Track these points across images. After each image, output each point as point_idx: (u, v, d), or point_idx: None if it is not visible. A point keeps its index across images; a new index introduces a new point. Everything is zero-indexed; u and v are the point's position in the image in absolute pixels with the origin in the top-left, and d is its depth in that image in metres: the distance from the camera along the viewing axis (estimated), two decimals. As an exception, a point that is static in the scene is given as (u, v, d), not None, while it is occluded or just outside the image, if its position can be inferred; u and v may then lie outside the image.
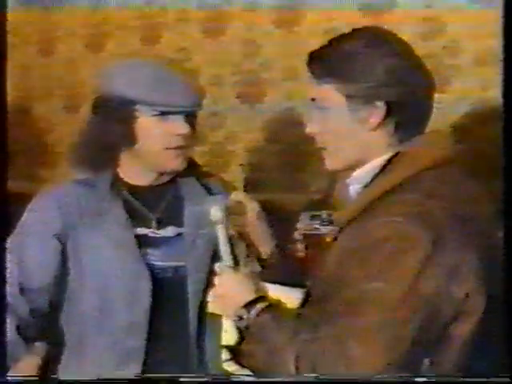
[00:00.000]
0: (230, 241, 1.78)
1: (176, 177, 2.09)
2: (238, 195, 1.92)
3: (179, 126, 1.97)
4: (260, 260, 1.90)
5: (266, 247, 1.88)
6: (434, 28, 2.84)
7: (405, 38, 2.37)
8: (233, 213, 1.84)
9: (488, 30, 2.46)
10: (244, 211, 1.87)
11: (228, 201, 1.85)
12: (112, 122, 1.97)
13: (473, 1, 2.75)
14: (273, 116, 3.24)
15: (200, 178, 2.14)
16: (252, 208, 1.88)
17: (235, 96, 3.35)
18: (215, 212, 1.77)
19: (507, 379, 1.52)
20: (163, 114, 1.96)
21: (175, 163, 2.01)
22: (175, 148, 1.99)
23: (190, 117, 2.01)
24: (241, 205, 1.88)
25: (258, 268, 1.85)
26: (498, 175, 1.64)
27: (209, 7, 3.36)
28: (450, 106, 2.73)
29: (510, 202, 1.60)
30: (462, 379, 1.50)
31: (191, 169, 2.10)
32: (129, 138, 1.98)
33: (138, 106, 1.96)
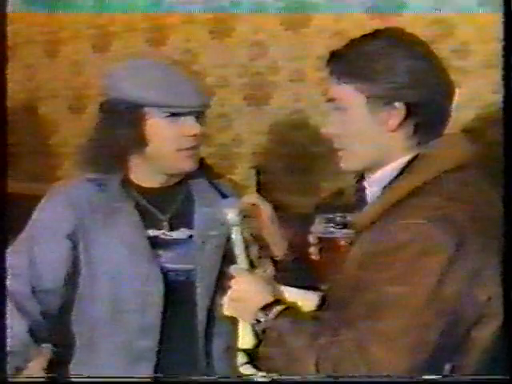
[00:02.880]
0: (246, 243, 1.77)
1: (187, 178, 2.07)
2: (250, 197, 1.91)
3: (191, 126, 1.96)
4: (273, 262, 1.89)
5: (278, 249, 1.87)
6: (442, 31, 2.82)
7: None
8: (246, 215, 1.83)
9: (496, 32, 2.44)
10: (257, 213, 1.86)
11: (242, 203, 1.84)
12: (121, 126, 1.95)
13: (481, 4, 2.73)
14: (279, 118, 3.23)
15: (211, 179, 2.13)
16: (265, 210, 1.87)
17: (242, 98, 3.35)
18: (231, 214, 1.76)
19: (507, 377, 1.51)
20: (174, 115, 1.95)
21: (187, 164, 2.00)
22: (187, 149, 1.97)
23: (200, 116, 2.00)
24: (254, 207, 1.87)
25: (272, 270, 1.84)
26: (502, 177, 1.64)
27: (215, 9, 3.35)
28: (458, 108, 2.72)
29: (510, 204, 1.59)
30: (461, 378, 1.49)
31: (202, 170, 2.09)
32: (139, 141, 1.96)
33: (147, 108, 1.95)
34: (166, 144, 1.96)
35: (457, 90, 1.61)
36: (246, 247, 1.77)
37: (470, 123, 2.73)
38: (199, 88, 1.99)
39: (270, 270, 1.82)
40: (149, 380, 1.94)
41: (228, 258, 1.83)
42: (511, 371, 1.51)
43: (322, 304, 1.63)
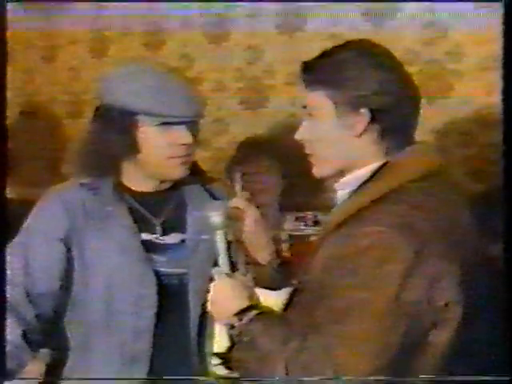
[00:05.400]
0: (229, 247, 1.79)
1: (179, 183, 2.08)
2: (237, 201, 1.92)
3: (182, 135, 1.97)
4: (258, 266, 1.91)
5: (264, 253, 1.89)
6: (436, 34, 2.84)
7: (408, 43, 2.37)
8: (233, 219, 1.84)
9: (491, 34, 2.46)
10: (243, 217, 1.88)
11: (228, 207, 1.85)
12: (114, 132, 1.96)
13: (476, 6, 2.75)
14: (276, 122, 3.24)
15: (203, 183, 2.14)
16: (251, 214, 1.89)
17: (238, 102, 3.36)
18: (215, 217, 1.78)
19: (507, 378, 1.54)
20: (166, 123, 1.97)
21: (178, 171, 2.01)
22: (178, 157, 1.99)
23: (192, 125, 2.01)
24: (240, 211, 1.88)
25: (254, 274, 1.86)
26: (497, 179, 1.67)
27: (212, 13, 3.37)
28: (453, 110, 2.74)
29: (510, 204, 1.61)
30: (462, 378, 1.52)
31: (195, 175, 2.10)
32: (131, 148, 1.98)
33: (139, 117, 1.96)
34: (158, 152, 1.98)
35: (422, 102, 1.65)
36: (229, 250, 1.79)
37: (465, 125, 2.75)
38: (192, 97, 2.00)
39: (252, 273, 1.84)
40: (142, 383, 1.95)
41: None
42: (511, 371, 1.54)
43: (290, 301, 1.67)
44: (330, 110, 1.60)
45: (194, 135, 2.00)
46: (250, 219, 1.88)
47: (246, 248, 1.88)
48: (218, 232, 1.77)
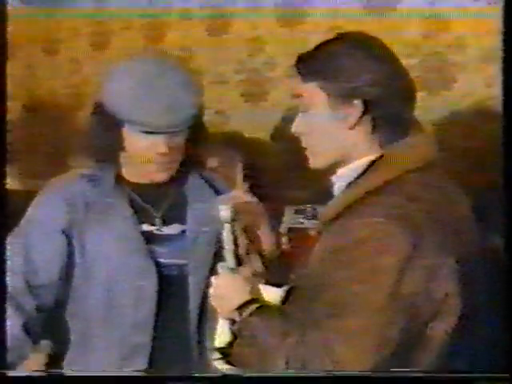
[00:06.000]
0: (235, 241, 1.79)
1: (180, 175, 2.09)
2: (238, 193, 1.93)
3: (159, 144, 1.97)
4: (260, 257, 1.91)
5: (266, 244, 1.90)
6: (438, 25, 2.84)
7: (409, 35, 2.37)
8: (238, 211, 1.84)
9: (492, 26, 2.46)
10: (248, 209, 1.88)
11: (232, 198, 1.86)
12: (104, 128, 2.00)
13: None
14: (277, 114, 3.24)
15: (204, 175, 2.15)
16: (254, 205, 1.90)
17: (239, 94, 3.36)
18: (224, 211, 1.78)
19: (507, 375, 1.54)
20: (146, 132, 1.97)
21: (158, 176, 2.03)
22: (156, 163, 2.00)
23: (175, 135, 2.00)
24: (244, 202, 1.89)
25: (260, 266, 1.86)
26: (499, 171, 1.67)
27: (212, 6, 3.36)
28: (454, 102, 2.73)
29: (510, 198, 1.62)
30: (462, 376, 1.52)
31: (195, 167, 2.10)
32: (118, 146, 2.01)
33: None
34: (139, 155, 2.00)
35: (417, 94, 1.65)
36: (236, 245, 1.79)
37: (466, 117, 2.75)
38: (178, 106, 1.98)
39: (257, 267, 1.84)
40: (143, 375, 1.96)
41: (220, 253, 1.85)
42: (511, 369, 1.54)
43: (288, 297, 1.67)
44: (323, 101, 1.61)
45: (178, 143, 2.00)
46: (254, 210, 1.88)
47: (250, 239, 1.89)
48: (226, 226, 1.78)
